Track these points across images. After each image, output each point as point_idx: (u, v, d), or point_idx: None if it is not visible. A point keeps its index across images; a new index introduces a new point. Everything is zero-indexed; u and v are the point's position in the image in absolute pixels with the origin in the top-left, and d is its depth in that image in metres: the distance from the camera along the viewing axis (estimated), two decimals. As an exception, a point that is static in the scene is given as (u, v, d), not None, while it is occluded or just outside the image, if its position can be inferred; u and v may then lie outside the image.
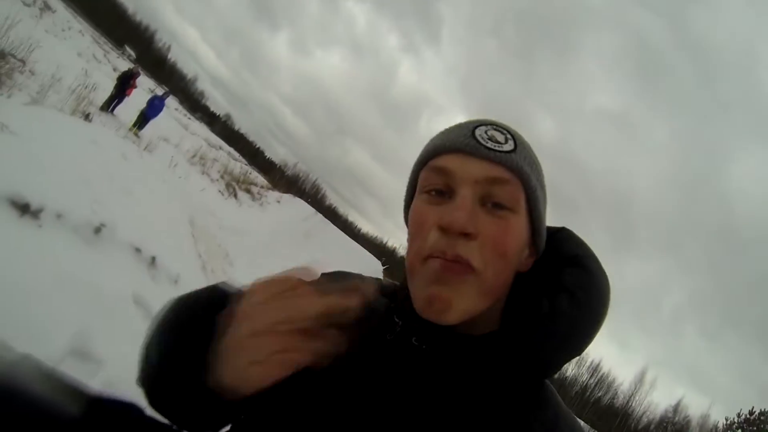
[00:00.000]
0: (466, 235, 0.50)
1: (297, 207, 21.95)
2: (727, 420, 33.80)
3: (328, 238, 21.15)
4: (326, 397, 0.55)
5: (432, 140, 0.60)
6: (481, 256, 0.51)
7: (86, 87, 10.13)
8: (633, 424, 36.28)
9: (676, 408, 37.52)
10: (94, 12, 46.36)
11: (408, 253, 0.55)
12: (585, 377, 41.31)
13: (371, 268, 22.83)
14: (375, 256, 27.12)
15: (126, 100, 12.81)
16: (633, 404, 37.90)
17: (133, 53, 46.30)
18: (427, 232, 0.53)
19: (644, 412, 37.67)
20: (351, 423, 0.53)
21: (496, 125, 0.57)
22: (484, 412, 0.52)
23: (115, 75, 13.83)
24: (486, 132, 0.55)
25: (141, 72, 14.76)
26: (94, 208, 3.53)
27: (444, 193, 0.54)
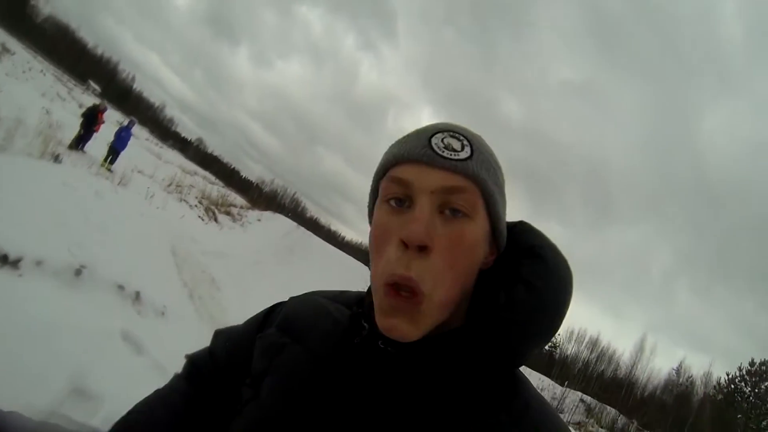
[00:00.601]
0: (423, 248, 0.52)
1: (278, 223, 21.95)
2: (728, 375, 34.25)
3: (313, 251, 21.21)
4: (298, 401, 0.58)
5: (390, 149, 0.60)
6: (431, 277, 0.52)
7: (50, 126, 10.04)
8: (638, 393, 36.55)
9: (678, 370, 37.74)
10: (54, 49, 45.57)
11: (371, 269, 0.57)
12: (585, 353, 41.66)
13: (359, 273, 22.99)
14: (361, 261, 27.46)
15: (95, 135, 12.67)
16: (636, 373, 38.13)
17: (97, 87, 45.57)
18: (388, 246, 0.54)
19: (648, 379, 37.89)
20: (323, 425, 0.55)
21: (454, 131, 0.57)
22: (453, 407, 0.53)
23: (81, 111, 13.65)
24: (443, 140, 0.56)
25: (108, 106, 14.54)
26: (72, 250, 3.57)
27: (403, 201, 0.55)
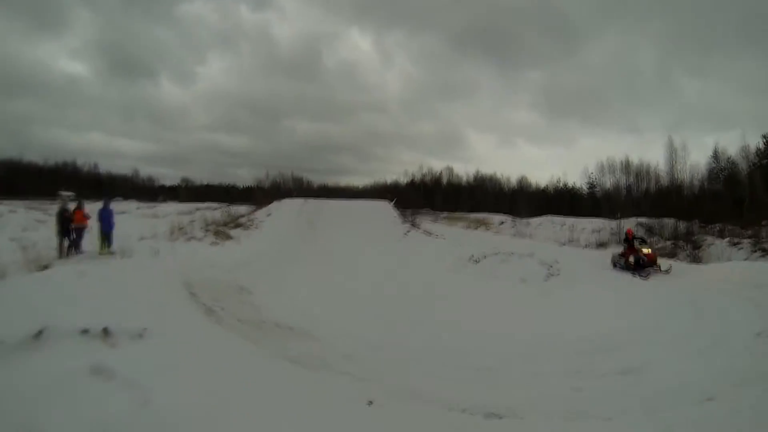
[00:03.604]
0: None
1: (286, 208, 22.14)
2: (764, 138, 33.45)
3: (333, 214, 21.51)
4: None
5: None
6: None
7: (24, 248, 10.37)
8: (686, 193, 36.22)
9: (715, 155, 37.05)
10: (12, 188, 45.28)
11: None
12: (623, 179, 41.11)
13: (383, 208, 23.94)
14: (377, 197, 28.29)
15: (86, 233, 12.91)
16: (678, 176, 37.55)
17: (70, 193, 45.71)
18: None
19: (692, 177, 37.35)
20: None
21: None
22: None
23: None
24: None
25: (83, 202, 14.40)
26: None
27: None
